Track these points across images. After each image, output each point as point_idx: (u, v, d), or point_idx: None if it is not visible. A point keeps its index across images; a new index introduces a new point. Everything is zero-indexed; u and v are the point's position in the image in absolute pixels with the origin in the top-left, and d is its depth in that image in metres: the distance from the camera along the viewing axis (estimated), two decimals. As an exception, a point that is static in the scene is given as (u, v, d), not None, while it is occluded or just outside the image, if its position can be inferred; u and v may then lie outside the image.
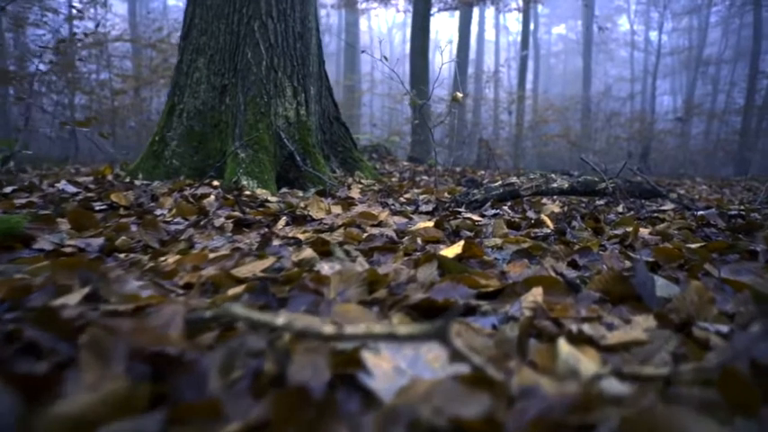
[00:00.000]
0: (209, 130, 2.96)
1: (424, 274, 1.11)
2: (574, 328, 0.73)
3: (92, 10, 12.99)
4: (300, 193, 2.38)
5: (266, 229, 1.70)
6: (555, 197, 2.69)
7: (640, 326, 0.80)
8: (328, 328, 0.53)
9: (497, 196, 2.29)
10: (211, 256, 1.31)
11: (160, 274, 1.17)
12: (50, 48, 8.51)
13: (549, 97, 21.29)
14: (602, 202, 2.76)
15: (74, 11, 10.72)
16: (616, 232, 1.75)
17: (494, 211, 2.10)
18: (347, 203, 2.04)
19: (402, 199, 2.37)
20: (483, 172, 7.18)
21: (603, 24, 19.55)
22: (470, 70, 19.68)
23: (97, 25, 10.57)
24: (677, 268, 1.23)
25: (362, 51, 3.28)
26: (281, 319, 0.55)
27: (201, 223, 1.78)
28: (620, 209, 2.44)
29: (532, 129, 15.33)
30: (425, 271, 1.13)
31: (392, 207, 2.12)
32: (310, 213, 1.86)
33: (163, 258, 1.36)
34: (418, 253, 1.39)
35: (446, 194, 3.14)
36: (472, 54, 23.26)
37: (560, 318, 0.84)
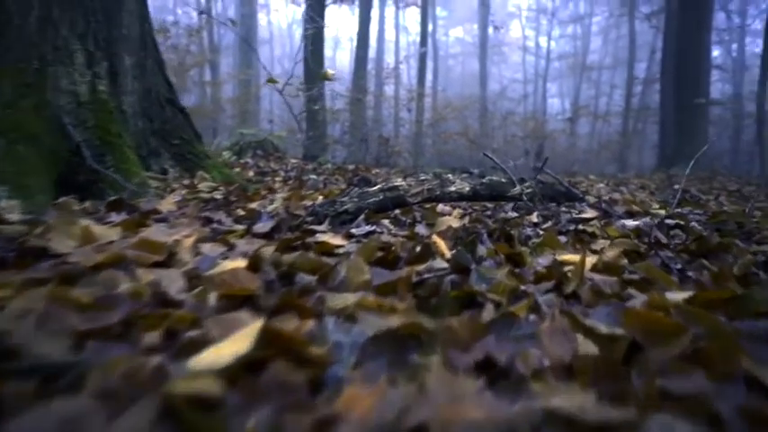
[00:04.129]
0: (-39, 113, 2.01)
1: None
2: None
3: None
4: (81, 206, 1.56)
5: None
6: (454, 203, 2.11)
7: None
8: None
9: (375, 205, 1.65)
10: None
11: None
12: None
13: (447, 96, 21.44)
14: (510, 209, 2.22)
15: None
16: (542, 263, 1.16)
17: (368, 228, 1.46)
18: (138, 223, 1.29)
19: (241, 211, 1.64)
20: (378, 170, 6.60)
21: (497, 30, 19.98)
22: (370, 66, 19.21)
23: None
24: (681, 359, 0.63)
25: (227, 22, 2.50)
26: None
27: None
28: (534, 218, 1.90)
29: (432, 126, 15.16)
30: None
31: (218, 225, 1.40)
32: (51, 244, 1.09)
33: None
34: (190, 334, 0.69)
35: (320, 198, 2.46)
36: (372, 53, 22.84)
37: None
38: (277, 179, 5.35)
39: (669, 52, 14.02)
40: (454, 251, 1.30)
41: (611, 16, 26.18)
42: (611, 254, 1.10)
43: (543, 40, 30.92)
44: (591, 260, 1.13)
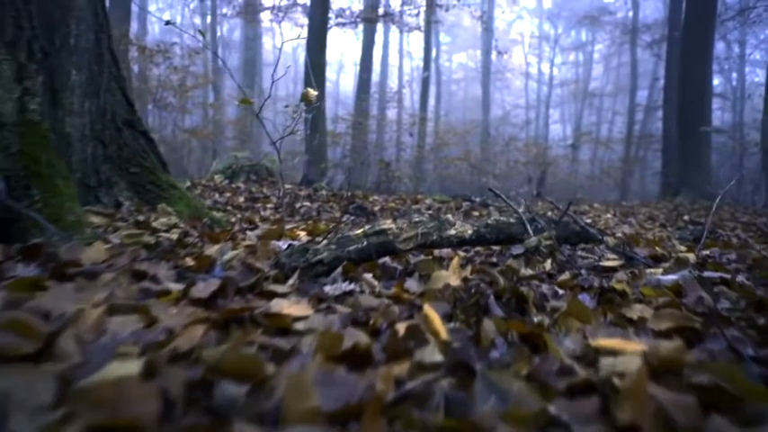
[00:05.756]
0: None
1: None
2: None
3: None
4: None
5: None
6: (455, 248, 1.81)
7: None
8: None
9: (357, 253, 1.35)
10: None
11: None
12: None
13: (450, 120, 21.39)
14: (518, 250, 1.93)
15: None
16: (570, 347, 0.87)
17: (345, 287, 1.16)
18: (33, 283, 0.99)
19: (191, 261, 1.34)
20: (377, 197, 6.31)
21: (500, 56, 19.93)
22: (373, 90, 19.15)
23: None
24: None
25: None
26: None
27: None
28: (548, 265, 1.60)
29: (434, 151, 14.98)
30: None
31: (150, 283, 1.10)
32: None
33: None
34: None
35: (302, 235, 2.16)
36: (376, 77, 22.84)
37: None
38: (268, 206, 5.07)
39: (671, 80, 13.93)
40: (453, 324, 1.01)
41: (612, 44, 26.30)
42: (668, 349, 0.80)
43: (546, 67, 31.10)
44: (635, 347, 0.83)
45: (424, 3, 12.61)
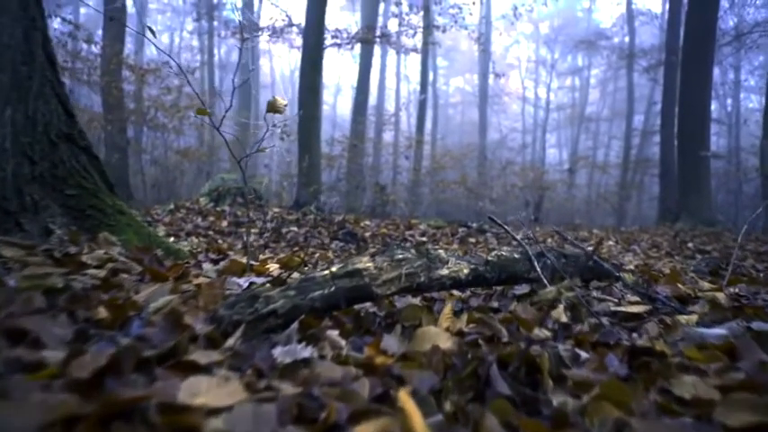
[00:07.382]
0: None
1: None
2: None
3: None
4: None
5: None
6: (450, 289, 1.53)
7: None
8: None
9: (322, 301, 1.06)
10: None
11: None
12: None
13: (446, 144, 21.30)
14: (523, 289, 1.64)
15: None
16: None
17: (300, 350, 0.87)
18: None
19: (105, 311, 1.03)
20: (369, 222, 6.03)
21: (497, 79, 19.90)
22: (370, 113, 19.04)
23: None
24: None
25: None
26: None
27: None
28: (562, 315, 1.31)
29: (430, 175, 14.77)
30: None
31: (26, 350, 0.81)
32: None
33: None
34: None
35: (273, 268, 1.88)
36: (373, 100, 22.76)
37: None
38: (253, 231, 4.79)
39: (669, 105, 13.85)
40: (442, 411, 0.73)
41: (609, 69, 26.44)
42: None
43: (542, 91, 31.19)
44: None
45: (421, 24, 12.53)
